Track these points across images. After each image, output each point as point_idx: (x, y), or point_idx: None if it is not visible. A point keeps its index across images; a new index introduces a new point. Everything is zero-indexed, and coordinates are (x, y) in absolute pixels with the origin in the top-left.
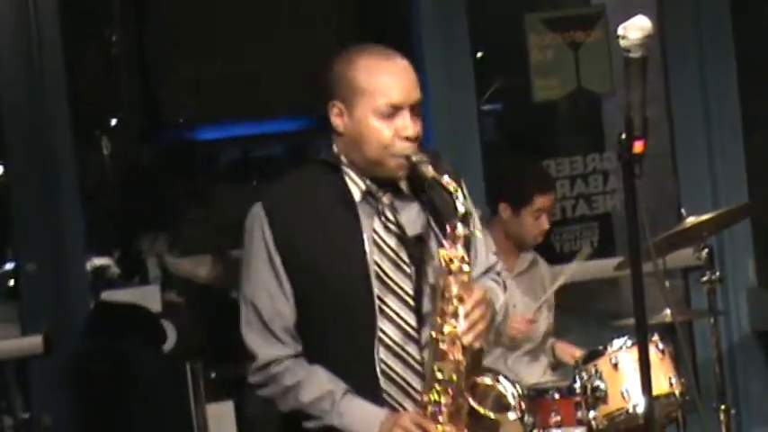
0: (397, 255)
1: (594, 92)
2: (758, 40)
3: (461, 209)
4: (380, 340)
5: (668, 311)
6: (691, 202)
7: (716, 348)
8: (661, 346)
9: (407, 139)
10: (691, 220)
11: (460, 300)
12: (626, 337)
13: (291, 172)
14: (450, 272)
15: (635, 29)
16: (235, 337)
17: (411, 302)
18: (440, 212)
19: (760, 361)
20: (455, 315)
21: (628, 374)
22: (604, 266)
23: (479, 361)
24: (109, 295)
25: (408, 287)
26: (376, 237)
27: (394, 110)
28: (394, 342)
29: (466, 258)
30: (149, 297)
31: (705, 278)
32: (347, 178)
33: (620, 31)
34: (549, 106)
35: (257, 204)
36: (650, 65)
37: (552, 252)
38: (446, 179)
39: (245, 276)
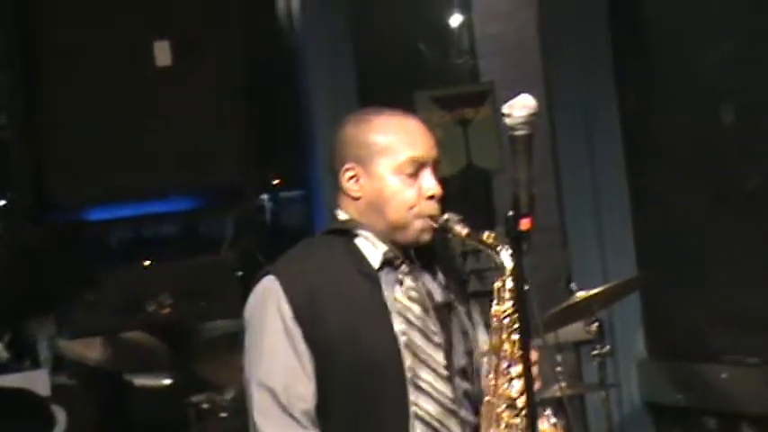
0: (424, 324)
1: (485, 168)
2: (644, 116)
3: (508, 263)
4: (417, 416)
5: (560, 385)
6: (581, 275)
7: (608, 421)
8: (553, 420)
9: (432, 198)
10: (581, 294)
11: (514, 359)
12: None
13: (301, 244)
14: (502, 330)
15: (520, 107)
16: (126, 420)
17: (445, 373)
18: (456, 278)
19: None
20: (509, 375)
21: None
22: None
23: (534, 421)
24: None
25: (440, 358)
26: (400, 306)
27: (417, 167)
28: (433, 417)
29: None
30: (38, 381)
31: (596, 351)
32: (363, 247)
33: (506, 109)
34: (441, 183)
35: (268, 278)
36: (541, 140)
37: None
38: (486, 234)
39: (255, 359)
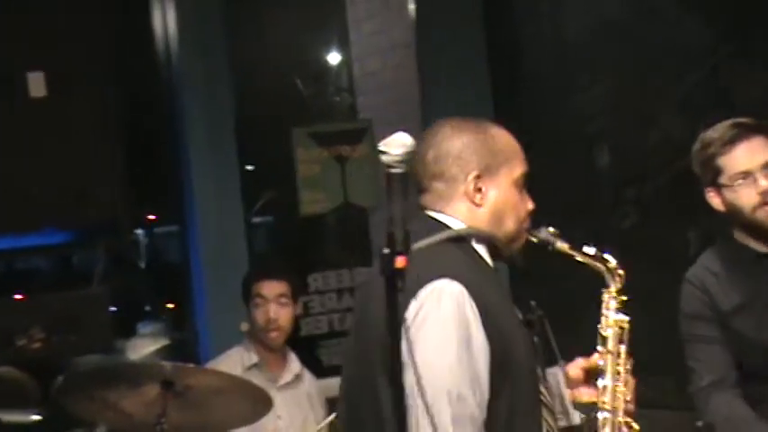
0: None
1: (361, 206)
2: None
3: (620, 270)
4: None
5: None
6: None
7: None
8: None
9: (530, 214)
10: None
11: (625, 365)
12: None
13: (437, 249)
14: (621, 340)
15: (396, 145)
16: None
17: (545, 383)
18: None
19: None
20: (623, 380)
21: None
22: None
23: None
24: None
25: (539, 369)
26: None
27: (524, 181)
28: (552, 429)
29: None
30: None
31: None
32: (479, 255)
33: (382, 146)
34: (317, 219)
35: (449, 283)
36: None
37: (320, 366)
38: (586, 249)
39: (441, 365)
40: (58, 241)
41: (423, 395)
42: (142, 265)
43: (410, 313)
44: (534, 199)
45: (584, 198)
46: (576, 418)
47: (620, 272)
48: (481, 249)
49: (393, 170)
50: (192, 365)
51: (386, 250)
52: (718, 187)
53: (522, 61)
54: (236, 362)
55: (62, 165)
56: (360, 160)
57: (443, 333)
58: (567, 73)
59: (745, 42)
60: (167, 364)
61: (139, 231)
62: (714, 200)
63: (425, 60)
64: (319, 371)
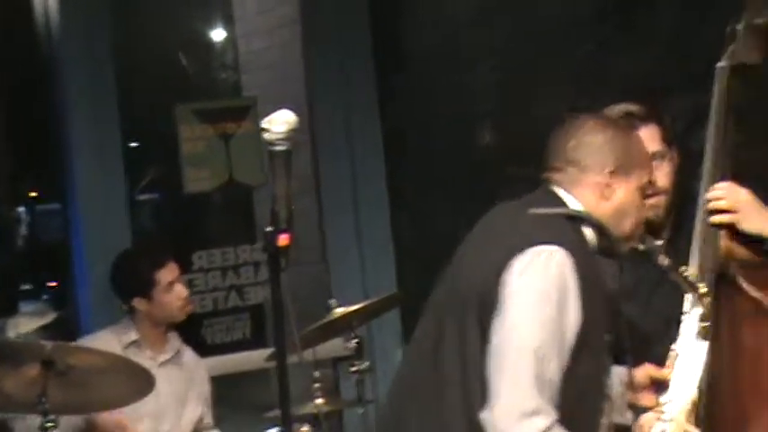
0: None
1: (246, 183)
2: (405, 133)
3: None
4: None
5: (317, 401)
6: (341, 291)
7: None
8: None
9: (644, 222)
10: (340, 310)
11: None
12: (277, 429)
13: (550, 221)
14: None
15: (279, 122)
16: None
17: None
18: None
19: None
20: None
21: None
22: (256, 357)
23: None
24: None
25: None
26: None
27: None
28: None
29: None
30: None
31: (355, 368)
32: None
33: (265, 124)
34: (202, 197)
35: (557, 250)
36: (302, 155)
37: (204, 344)
38: (683, 268)
39: (534, 324)
40: None
41: (511, 349)
42: (23, 243)
43: (515, 266)
44: (425, 179)
45: (468, 175)
46: (629, 418)
47: (708, 299)
48: (589, 235)
49: (276, 147)
50: (73, 344)
51: (269, 228)
52: None
53: (407, 40)
54: (111, 341)
55: None
56: (245, 137)
57: (544, 293)
58: (452, 51)
59: (627, 17)
60: (48, 343)
61: (21, 209)
62: None
63: (311, 39)
64: (203, 350)
